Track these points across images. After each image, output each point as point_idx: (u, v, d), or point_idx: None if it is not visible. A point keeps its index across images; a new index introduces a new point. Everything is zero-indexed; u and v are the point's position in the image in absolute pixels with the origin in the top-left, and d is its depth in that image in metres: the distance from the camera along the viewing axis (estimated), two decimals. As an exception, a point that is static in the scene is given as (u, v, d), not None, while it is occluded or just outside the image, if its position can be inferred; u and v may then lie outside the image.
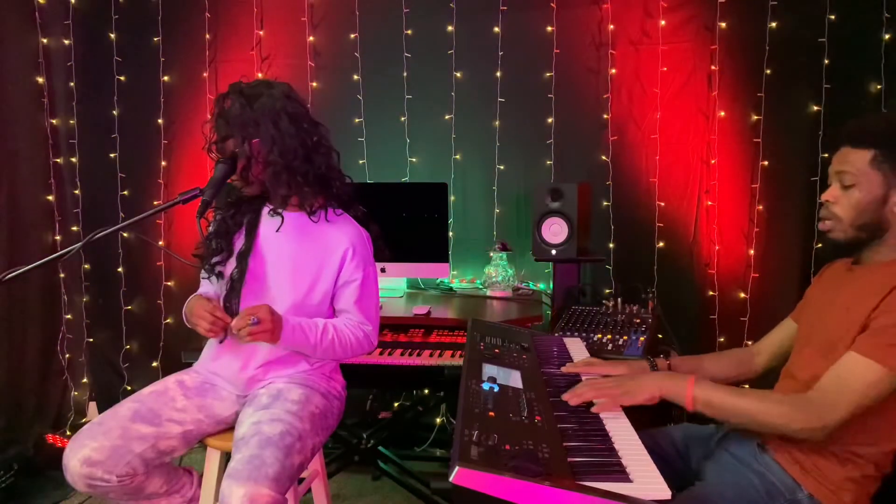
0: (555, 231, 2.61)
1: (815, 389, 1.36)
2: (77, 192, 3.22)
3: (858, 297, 1.41)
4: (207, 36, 3.11)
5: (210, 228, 1.85)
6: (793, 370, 1.56)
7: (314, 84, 3.09)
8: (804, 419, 1.33)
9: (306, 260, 1.81)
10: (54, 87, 3.15)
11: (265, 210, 1.86)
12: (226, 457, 1.67)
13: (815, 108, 2.76)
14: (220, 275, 1.82)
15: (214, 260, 1.81)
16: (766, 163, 2.83)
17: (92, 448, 1.60)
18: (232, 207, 1.86)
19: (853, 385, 1.32)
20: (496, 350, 1.65)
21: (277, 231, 1.80)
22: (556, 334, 2.13)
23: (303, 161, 1.74)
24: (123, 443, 1.63)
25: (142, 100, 3.16)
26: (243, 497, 1.44)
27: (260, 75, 3.08)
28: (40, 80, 3.09)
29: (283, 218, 1.79)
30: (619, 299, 2.45)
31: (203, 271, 1.84)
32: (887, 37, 2.68)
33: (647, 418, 2.11)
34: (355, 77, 3.06)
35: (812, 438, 1.35)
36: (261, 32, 3.10)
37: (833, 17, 2.71)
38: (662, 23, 2.87)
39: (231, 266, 1.81)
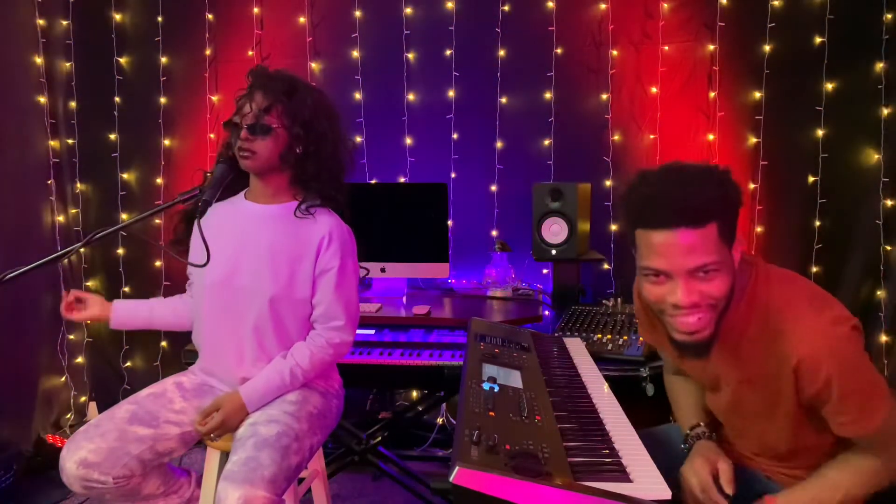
0: (555, 231, 2.61)
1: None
2: (77, 191, 3.22)
3: (762, 369, 1.33)
4: (207, 36, 3.11)
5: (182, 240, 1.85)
6: (766, 443, 1.47)
7: (314, 84, 3.09)
8: None
9: (284, 250, 1.77)
10: (54, 88, 3.14)
11: (237, 205, 1.84)
12: (225, 457, 1.67)
13: (816, 108, 2.76)
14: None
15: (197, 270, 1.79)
16: (766, 162, 2.83)
17: (88, 450, 1.60)
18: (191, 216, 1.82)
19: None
20: (496, 350, 1.65)
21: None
22: (556, 334, 2.13)
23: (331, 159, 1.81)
24: (120, 445, 1.63)
25: (142, 100, 3.16)
26: (239, 500, 1.44)
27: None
28: (41, 80, 3.08)
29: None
30: (619, 299, 2.45)
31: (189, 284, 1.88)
32: (887, 37, 2.68)
33: (646, 418, 2.11)
34: (355, 77, 3.06)
35: None
36: (260, 32, 3.10)
37: (833, 17, 2.71)
38: (662, 23, 2.87)
39: (208, 268, 1.74)
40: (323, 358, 1.78)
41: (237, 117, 1.75)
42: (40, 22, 3.06)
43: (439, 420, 3.13)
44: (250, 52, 3.10)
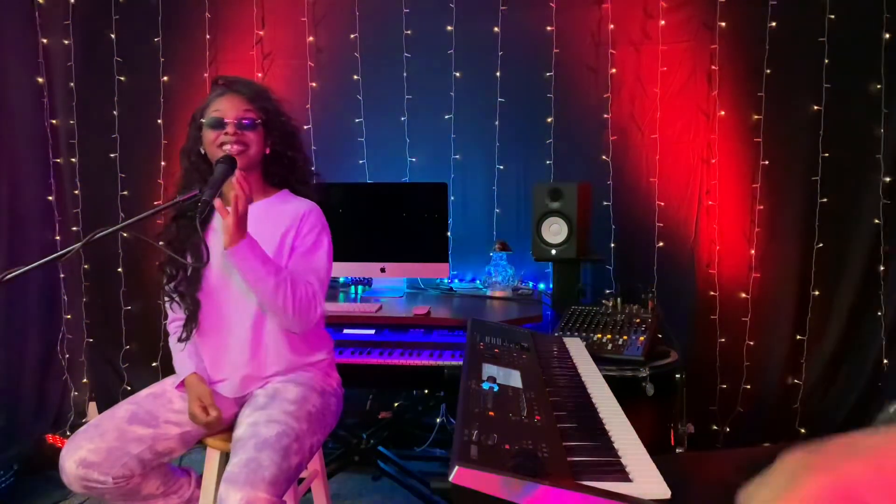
0: (555, 231, 2.61)
1: None
2: (77, 192, 3.22)
3: None
4: (207, 36, 3.11)
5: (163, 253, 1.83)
6: None
7: (314, 84, 3.09)
8: None
9: (269, 240, 1.76)
10: (54, 87, 3.14)
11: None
12: (225, 457, 1.67)
13: (815, 107, 2.76)
14: (182, 295, 1.81)
15: (174, 283, 1.82)
16: (766, 162, 2.83)
17: (88, 450, 1.60)
18: (174, 224, 1.84)
19: None
20: (496, 350, 1.65)
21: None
22: (556, 334, 2.13)
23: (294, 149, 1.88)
24: (120, 444, 1.63)
25: (142, 100, 3.16)
26: (240, 502, 1.44)
27: (259, 76, 3.09)
28: (40, 80, 3.09)
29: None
30: (619, 299, 2.45)
31: (166, 297, 1.84)
32: (887, 36, 2.68)
33: (646, 418, 2.11)
34: (355, 77, 3.06)
35: None
36: (261, 32, 3.10)
37: (833, 16, 2.71)
38: (662, 23, 2.87)
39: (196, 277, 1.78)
40: (305, 293, 1.69)
41: (209, 118, 1.76)
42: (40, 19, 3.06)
43: (439, 420, 3.13)
44: (251, 52, 3.10)
